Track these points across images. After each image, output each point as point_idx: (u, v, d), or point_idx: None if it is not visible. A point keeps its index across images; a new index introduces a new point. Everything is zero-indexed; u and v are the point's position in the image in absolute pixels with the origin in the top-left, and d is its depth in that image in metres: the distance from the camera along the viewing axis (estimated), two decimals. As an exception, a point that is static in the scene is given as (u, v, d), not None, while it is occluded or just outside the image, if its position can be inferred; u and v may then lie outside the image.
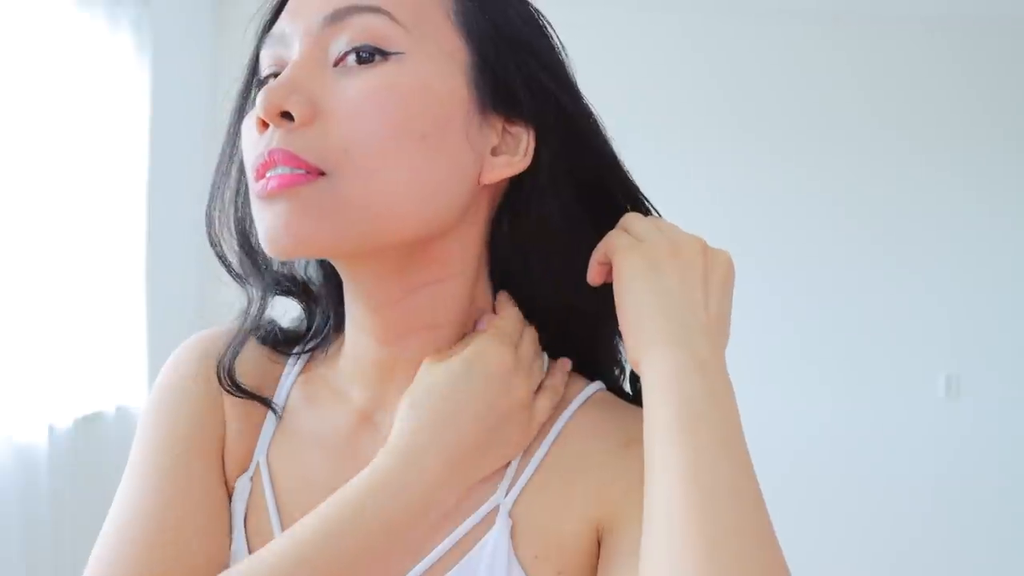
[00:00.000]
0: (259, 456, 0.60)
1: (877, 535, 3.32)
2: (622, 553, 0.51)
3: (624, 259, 0.54)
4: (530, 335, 0.60)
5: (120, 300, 2.55)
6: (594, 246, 0.60)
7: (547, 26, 0.59)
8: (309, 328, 0.66)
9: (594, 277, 0.59)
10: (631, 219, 0.58)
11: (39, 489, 2.20)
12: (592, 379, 0.63)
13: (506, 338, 0.57)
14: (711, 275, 0.54)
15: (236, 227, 0.61)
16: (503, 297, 0.61)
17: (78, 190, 2.35)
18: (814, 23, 3.38)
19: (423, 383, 0.55)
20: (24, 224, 2.14)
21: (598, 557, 0.54)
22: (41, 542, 2.18)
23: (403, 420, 0.54)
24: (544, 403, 0.58)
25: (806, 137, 3.41)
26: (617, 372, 0.65)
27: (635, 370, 0.54)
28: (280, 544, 0.51)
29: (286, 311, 0.67)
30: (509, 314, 0.60)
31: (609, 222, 0.60)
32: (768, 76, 3.41)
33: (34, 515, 2.17)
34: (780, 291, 3.30)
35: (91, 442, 2.41)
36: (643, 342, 0.52)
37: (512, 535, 0.54)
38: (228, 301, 0.64)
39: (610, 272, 0.58)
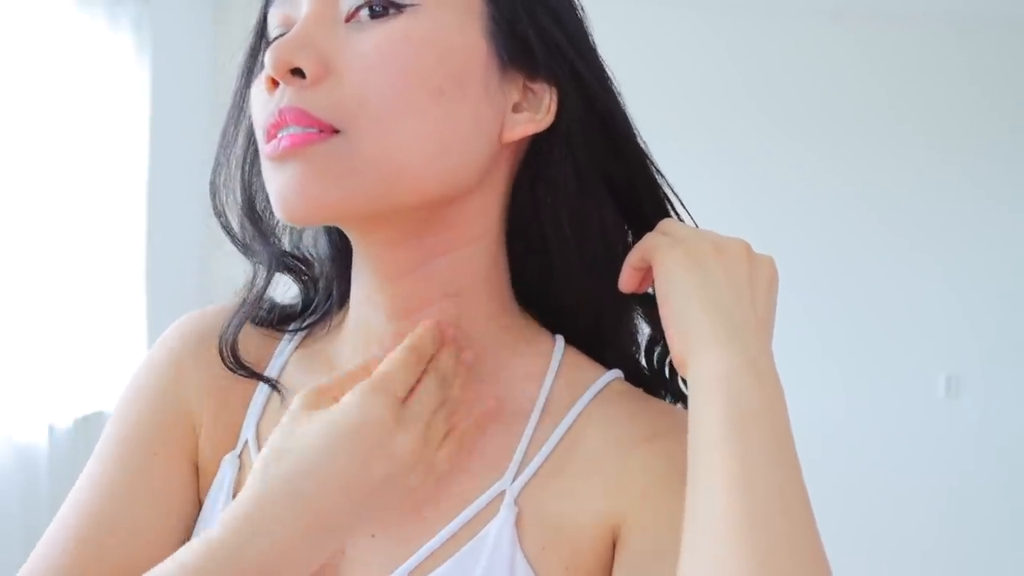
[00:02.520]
0: (247, 433, 0.58)
1: (876, 535, 3.32)
2: (644, 556, 0.49)
3: (667, 256, 0.52)
4: (444, 363, 0.54)
5: (120, 300, 2.55)
6: (614, 226, 0.58)
7: None
8: (306, 306, 0.63)
9: (627, 282, 0.56)
10: (669, 223, 0.56)
11: (39, 489, 2.20)
12: (608, 366, 0.60)
13: (388, 387, 0.50)
14: (757, 276, 0.52)
15: (243, 197, 0.59)
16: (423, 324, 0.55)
17: (78, 190, 2.35)
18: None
19: (289, 434, 0.49)
20: (24, 224, 2.15)
21: (609, 556, 0.52)
22: (41, 542, 2.18)
23: (260, 470, 0.48)
24: (445, 453, 0.52)
25: (805, 137, 3.41)
26: (633, 349, 0.63)
27: (680, 371, 0.51)
28: None
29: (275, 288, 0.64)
30: (409, 344, 0.52)
31: (630, 204, 0.59)
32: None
33: (34, 515, 2.17)
34: (778, 290, 3.29)
35: (91, 442, 2.38)
36: (691, 341, 0.49)
37: (518, 525, 0.51)
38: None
39: (644, 279, 0.56)
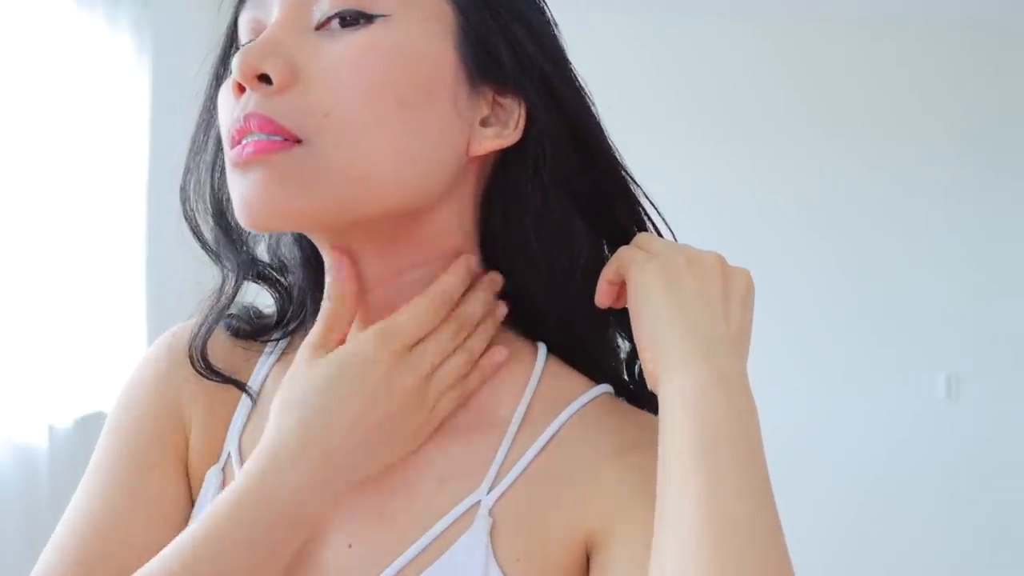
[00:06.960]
0: (230, 446, 0.58)
1: (876, 536, 3.32)
2: (617, 569, 0.49)
3: (640, 272, 0.52)
4: (467, 310, 0.55)
5: (120, 300, 2.54)
6: (585, 239, 0.57)
7: None
8: (282, 316, 0.63)
9: (602, 298, 0.56)
10: (644, 237, 0.56)
11: (39, 489, 2.20)
12: (598, 381, 0.59)
13: (394, 334, 0.52)
14: (731, 289, 0.52)
15: (212, 202, 0.59)
16: (456, 267, 0.55)
17: (78, 190, 2.34)
18: (805, 25, 3.37)
19: (296, 383, 0.52)
20: (24, 224, 2.14)
21: (583, 569, 0.52)
22: (42, 542, 2.16)
23: (273, 423, 0.51)
24: (447, 401, 0.54)
25: (804, 139, 3.41)
26: (614, 364, 0.62)
27: (652, 387, 0.51)
28: (149, 568, 0.49)
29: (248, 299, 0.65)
30: (420, 302, 0.53)
31: (605, 216, 0.58)
32: (761, 79, 3.41)
33: (34, 515, 2.17)
34: (778, 292, 3.30)
35: (91, 442, 2.36)
36: (662, 356, 0.49)
37: (492, 535, 0.51)
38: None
39: (619, 294, 0.56)
